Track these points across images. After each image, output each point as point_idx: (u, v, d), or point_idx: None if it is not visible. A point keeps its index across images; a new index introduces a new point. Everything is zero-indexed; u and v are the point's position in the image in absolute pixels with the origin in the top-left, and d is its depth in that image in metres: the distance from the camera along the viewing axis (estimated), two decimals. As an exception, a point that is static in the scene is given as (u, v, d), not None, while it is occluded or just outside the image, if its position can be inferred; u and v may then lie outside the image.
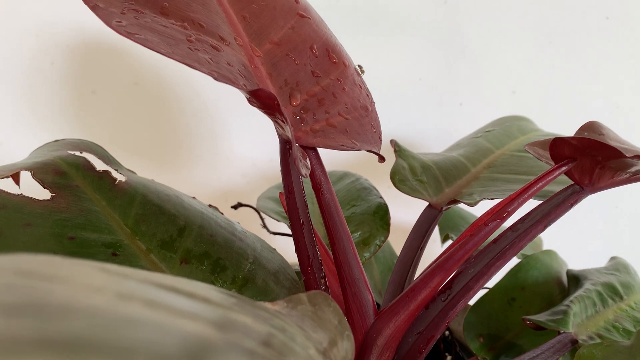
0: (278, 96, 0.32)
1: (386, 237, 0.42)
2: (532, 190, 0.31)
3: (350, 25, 0.71)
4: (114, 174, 0.35)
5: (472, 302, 0.47)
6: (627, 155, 0.28)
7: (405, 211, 0.60)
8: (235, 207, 0.48)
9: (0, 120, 0.69)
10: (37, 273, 0.10)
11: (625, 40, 0.76)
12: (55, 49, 0.68)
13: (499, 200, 0.35)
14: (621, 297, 0.43)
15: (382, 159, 0.34)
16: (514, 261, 0.50)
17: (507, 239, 0.33)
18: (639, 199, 0.82)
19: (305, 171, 0.27)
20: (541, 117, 0.63)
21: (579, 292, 0.43)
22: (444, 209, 0.41)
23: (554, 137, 0.39)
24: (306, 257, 0.32)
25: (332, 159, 0.74)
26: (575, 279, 0.47)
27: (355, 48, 0.72)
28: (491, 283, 0.47)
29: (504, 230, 0.34)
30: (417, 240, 0.41)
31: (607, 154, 0.30)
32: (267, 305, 0.22)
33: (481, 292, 0.47)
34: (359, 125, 0.34)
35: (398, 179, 0.42)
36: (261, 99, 0.26)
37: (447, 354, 0.50)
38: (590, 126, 0.37)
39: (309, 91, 0.34)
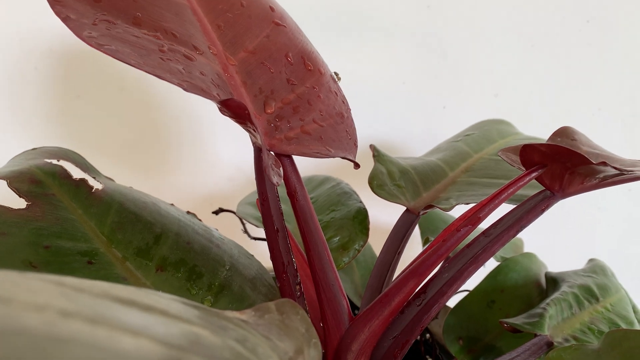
0: (252, 104, 0.33)
1: (365, 241, 0.42)
2: (503, 196, 0.32)
3: (333, 30, 0.72)
4: (91, 182, 0.35)
5: (452, 304, 0.47)
6: (594, 161, 0.29)
7: (389, 213, 0.60)
8: (216, 212, 0.49)
9: (-16, 126, 0.69)
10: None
11: (606, 44, 0.76)
12: (38, 53, 0.68)
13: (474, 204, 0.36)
14: (597, 299, 0.44)
15: (357, 165, 0.34)
16: (494, 264, 0.50)
17: (480, 244, 0.33)
18: (620, 202, 0.83)
19: (276, 179, 0.28)
20: (523, 120, 0.63)
21: (556, 294, 0.44)
22: (421, 213, 0.41)
23: (529, 141, 0.40)
24: (281, 264, 0.32)
25: (317, 163, 0.74)
26: (554, 282, 0.47)
27: (338, 52, 0.73)
28: (471, 286, 0.48)
29: (477, 234, 0.34)
30: (395, 245, 0.41)
31: (575, 161, 0.30)
32: (234, 314, 0.22)
33: (461, 295, 0.48)
34: (334, 132, 0.35)
35: (376, 184, 0.42)
36: (231, 109, 0.26)
37: (428, 356, 0.50)
38: (563, 131, 0.37)
39: (283, 99, 0.34)
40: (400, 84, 0.75)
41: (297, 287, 0.33)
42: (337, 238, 0.43)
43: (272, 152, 0.32)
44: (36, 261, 0.30)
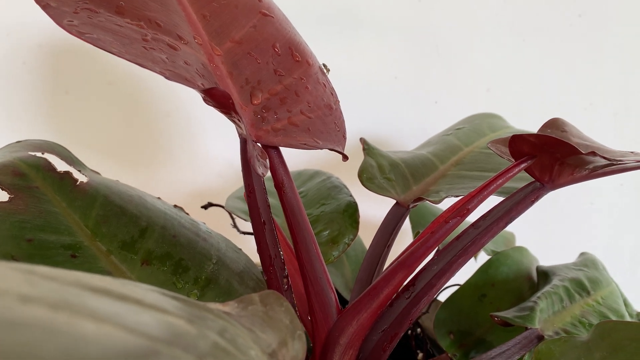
0: (239, 95, 0.32)
1: (355, 235, 0.42)
2: (491, 188, 0.31)
3: (325, 24, 0.71)
4: (76, 174, 0.35)
5: (443, 299, 0.47)
6: (582, 151, 0.29)
7: (380, 207, 0.60)
8: (205, 207, 0.48)
9: (-29, 122, 0.68)
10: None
11: (598, 38, 0.76)
12: (26, 48, 0.68)
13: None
14: (588, 293, 0.44)
15: (345, 157, 0.34)
16: (486, 258, 0.50)
17: (469, 236, 0.33)
18: (612, 196, 0.83)
19: (261, 170, 0.27)
20: (515, 114, 0.63)
21: (547, 288, 0.43)
22: (410, 206, 0.41)
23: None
24: (268, 257, 0.32)
25: (308, 158, 0.73)
26: (545, 275, 0.47)
27: (330, 47, 0.73)
28: (462, 280, 0.48)
29: (466, 227, 0.34)
30: (384, 238, 0.41)
31: (564, 151, 0.30)
32: (216, 306, 0.21)
33: (452, 289, 0.48)
34: (322, 123, 0.34)
35: (366, 177, 0.42)
36: (215, 98, 0.26)
37: (419, 351, 0.50)
38: (553, 123, 0.37)
39: (270, 90, 0.33)
40: (392, 78, 0.75)
41: (285, 280, 0.32)
42: (327, 232, 0.42)
43: (258, 144, 0.32)
44: (18, 254, 0.30)
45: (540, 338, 0.39)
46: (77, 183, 0.34)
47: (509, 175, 0.31)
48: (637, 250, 0.87)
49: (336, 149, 0.34)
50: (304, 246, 0.32)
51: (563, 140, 0.29)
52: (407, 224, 0.47)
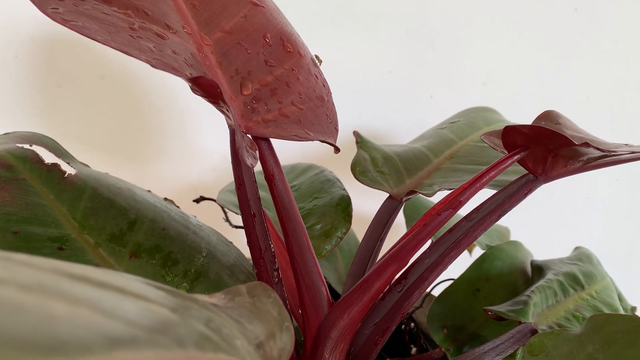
0: (228, 85, 0.32)
1: (348, 229, 0.42)
2: (484, 180, 0.31)
3: (320, 18, 0.71)
4: (64, 167, 0.34)
5: (437, 293, 0.47)
6: (576, 142, 0.28)
7: (374, 201, 0.59)
8: (197, 200, 0.48)
9: (-37, 115, 0.67)
10: None
11: (594, 32, 0.76)
12: (18, 41, 0.67)
13: (457, 190, 0.35)
14: (582, 287, 0.44)
15: (337, 149, 0.34)
16: (480, 252, 0.50)
17: (462, 229, 0.33)
18: (607, 191, 0.83)
19: (250, 161, 0.27)
20: (511, 109, 0.63)
21: (541, 282, 0.43)
22: (404, 199, 0.41)
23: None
24: (258, 250, 0.32)
25: (302, 152, 0.73)
26: (539, 269, 0.47)
27: (325, 41, 0.72)
28: (456, 274, 0.47)
29: (459, 220, 0.33)
30: (377, 232, 0.40)
31: (558, 142, 0.29)
32: (202, 297, 0.21)
33: (446, 284, 0.47)
34: (313, 115, 0.34)
35: (359, 171, 0.42)
36: (203, 87, 0.25)
37: (412, 345, 0.49)
38: (547, 115, 0.37)
39: (261, 80, 0.33)
40: (387, 72, 0.74)
41: (275, 273, 0.32)
42: (320, 225, 0.42)
43: (248, 135, 0.31)
44: (4, 247, 0.29)
45: (534, 332, 0.38)
46: (65, 175, 0.33)
47: (502, 167, 0.31)
48: (631, 244, 0.86)
49: (328, 140, 0.34)
50: (294, 239, 0.32)
51: (557, 131, 0.28)
52: (400, 217, 0.47)
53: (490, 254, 0.48)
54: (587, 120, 0.74)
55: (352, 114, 0.75)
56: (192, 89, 0.26)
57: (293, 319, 0.34)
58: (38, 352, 0.08)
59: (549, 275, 0.44)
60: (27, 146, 0.34)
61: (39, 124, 0.70)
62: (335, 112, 0.36)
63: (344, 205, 0.43)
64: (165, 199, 0.38)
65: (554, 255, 0.50)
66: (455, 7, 0.73)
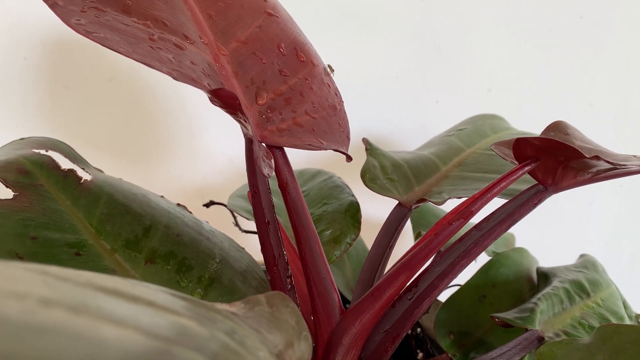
0: (244, 95, 0.32)
1: (357, 235, 0.42)
2: (495, 190, 0.32)
3: (326, 23, 0.71)
4: (80, 172, 0.35)
5: (443, 299, 0.47)
6: (587, 155, 0.29)
7: (381, 207, 0.60)
8: (207, 205, 0.48)
9: (-28, 117, 0.68)
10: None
11: (599, 39, 0.77)
12: (28, 44, 0.67)
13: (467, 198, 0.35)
14: (588, 294, 0.44)
15: (349, 158, 0.34)
16: (486, 258, 0.50)
17: (472, 238, 0.33)
18: (612, 198, 0.84)
19: (267, 171, 0.27)
20: (516, 115, 0.63)
21: (547, 289, 0.44)
22: (413, 207, 0.41)
23: (522, 136, 0.39)
24: (272, 257, 0.32)
25: (309, 157, 0.74)
26: (545, 277, 0.47)
27: (331, 45, 0.72)
28: (463, 280, 0.48)
29: (469, 229, 0.34)
30: (387, 239, 0.41)
31: (568, 154, 0.30)
32: (223, 307, 0.21)
33: (452, 290, 0.48)
34: (326, 124, 0.34)
35: (368, 178, 0.42)
36: (222, 98, 0.26)
37: (419, 350, 0.50)
38: (556, 126, 0.37)
39: (275, 90, 0.33)
40: (393, 78, 0.75)
41: (288, 280, 0.33)
42: (329, 231, 0.42)
43: (263, 144, 0.32)
44: (22, 252, 0.30)
45: (541, 339, 0.39)
46: (81, 181, 0.34)
47: (513, 177, 0.31)
48: (635, 251, 0.87)
49: (340, 149, 0.34)
50: (307, 246, 0.33)
51: (567, 144, 0.29)
52: (408, 224, 0.47)
53: (496, 260, 0.48)
54: (591, 126, 0.75)
55: (356, 119, 0.75)
56: (211, 100, 0.27)
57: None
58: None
59: (555, 283, 0.45)
60: (43, 152, 0.35)
61: (47, 126, 0.70)
62: (347, 121, 0.37)
63: (353, 212, 0.43)
64: (178, 204, 0.39)
65: (558, 262, 0.51)
66: (461, 13, 0.74)
